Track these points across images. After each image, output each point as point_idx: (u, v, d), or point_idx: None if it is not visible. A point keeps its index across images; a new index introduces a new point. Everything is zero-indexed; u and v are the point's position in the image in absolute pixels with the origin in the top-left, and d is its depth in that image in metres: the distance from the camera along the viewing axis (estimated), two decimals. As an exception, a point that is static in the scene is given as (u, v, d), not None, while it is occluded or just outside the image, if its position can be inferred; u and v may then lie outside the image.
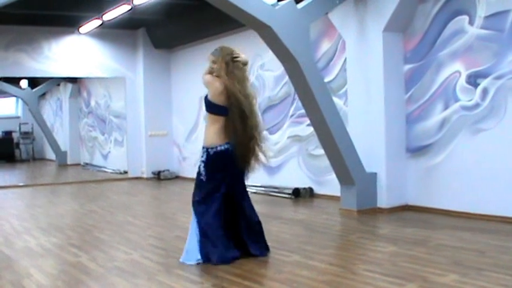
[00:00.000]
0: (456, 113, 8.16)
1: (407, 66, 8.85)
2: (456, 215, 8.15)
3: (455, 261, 5.75)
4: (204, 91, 12.42)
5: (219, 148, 6.11)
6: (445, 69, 8.29)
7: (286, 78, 10.22)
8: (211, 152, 6.12)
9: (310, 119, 8.72)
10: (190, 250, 6.06)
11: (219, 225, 6.03)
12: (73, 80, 21.13)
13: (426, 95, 8.58)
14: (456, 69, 8.15)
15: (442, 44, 8.34)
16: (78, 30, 14.73)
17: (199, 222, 6.05)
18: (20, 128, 25.60)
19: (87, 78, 19.52)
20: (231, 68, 6.13)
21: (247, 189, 6.48)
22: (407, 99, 8.86)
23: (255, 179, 12.08)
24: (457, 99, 8.15)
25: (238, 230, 6.17)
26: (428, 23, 8.53)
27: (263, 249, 6.26)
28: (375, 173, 8.86)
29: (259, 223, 6.30)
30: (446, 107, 8.30)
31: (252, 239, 6.19)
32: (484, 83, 7.80)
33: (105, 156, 19.73)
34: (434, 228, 7.50)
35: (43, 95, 23.94)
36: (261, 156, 6.33)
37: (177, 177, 15.32)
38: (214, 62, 6.21)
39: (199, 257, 5.98)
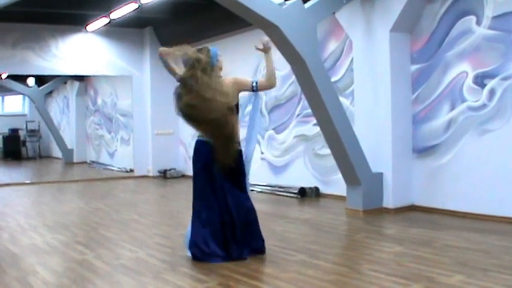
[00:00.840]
0: (463, 113, 8.15)
1: (414, 67, 8.84)
2: (462, 215, 8.14)
3: (461, 261, 5.74)
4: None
5: (200, 138, 6.19)
6: (452, 70, 8.28)
7: (293, 77, 10.22)
8: (197, 139, 6.25)
9: (317, 119, 8.72)
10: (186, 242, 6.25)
11: (207, 222, 6.05)
12: (80, 78, 21.19)
13: (433, 95, 8.57)
14: (463, 70, 8.13)
15: (449, 44, 8.33)
16: (86, 29, 14.75)
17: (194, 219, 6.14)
18: (26, 126, 25.68)
19: (94, 76, 19.57)
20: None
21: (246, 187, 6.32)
22: (414, 100, 8.85)
23: (261, 178, 12.14)
24: (463, 100, 8.14)
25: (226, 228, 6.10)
26: (435, 23, 8.51)
27: (253, 250, 6.19)
28: (381, 173, 8.86)
29: (248, 224, 6.18)
30: (453, 108, 8.29)
31: (238, 240, 6.10)
32: (491, 84, 7.79)
33: (111, 155, 19.77)
34: (440, 228, 7.49)
35: (50, 93, 24.02)
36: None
37: (183, 176, 15.33)
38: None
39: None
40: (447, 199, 8.43)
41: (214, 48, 6.21)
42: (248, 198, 6.22)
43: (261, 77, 6.59)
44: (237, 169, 6.12)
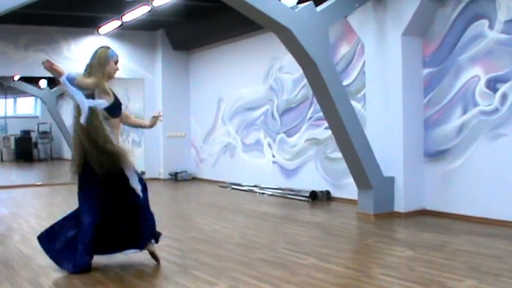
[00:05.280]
0: (475, 117, 8.12)
1: (426, 71, 8.81)
2: (474, 220, 8.10)
3: (473, 266, 5.72)
4: (222, 94, 12.45)
5: None
6: (464, 74, 8.25)
7: (305, 81, 10.21)
8: None
9: (328, 122, 8.71)
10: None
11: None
12: (92, 81, 21.21)
13: (445, 99, 8.54)
14: (475, 74, 8.11)
15: (461, 48, 8.30)
16: (98, 31, 14.80)
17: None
18: (38, 128, 25.78)
19: (105, 78, 19.57)
20: None
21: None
22: (426, 104, 8.83)
23: (272, 182, 12.14)
24: (476, 104, 8.11)
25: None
26: (447, 27, 8.49)
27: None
28: (393, 177, 8.83)
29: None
30: (465, 112, 8.26)
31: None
32: (503, 88, 7.75)
33: (122, 157, 19.77)
34: (451, 233, 7.47)
35: (62, 95, 24.02)
36: None
37: (194, 179, 15.35)
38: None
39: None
40: (459, 204, 8.40)
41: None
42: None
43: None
44: None
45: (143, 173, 16.16)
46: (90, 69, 6.02)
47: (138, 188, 6.04)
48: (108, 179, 5.93)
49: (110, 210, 6.02)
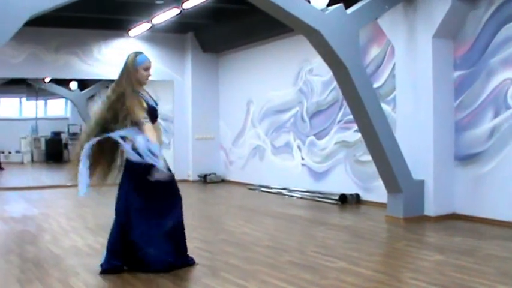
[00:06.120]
0: (507, 121, 8.02)
1: (457, 73, 8.73)
2: (505, 225, 8.00)
3: (504, 272, 5.66)
4: (252, 96, 12.51)
5: None
6: (496, 76, 8.16)
7: (335, 83, 10.17)
8: None
9: (358, 125, 8.67)
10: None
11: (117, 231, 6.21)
12: (122, 83, 21.36)
13: (476, 102, 8.46)
14: (507, 77, 8.01)
15: (493, 50, 8.21)
16: (128, 33, 14.87)
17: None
18: (68, 129, 26.01)
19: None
20: None
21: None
22: (457, 106, 8.74)
23: (302, 184, 12.12)
24: (508, 107, 8.01)
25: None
26: (479, 29, 8.40)
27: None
28: (423, 181, 8.76)
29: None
30: (496, 115, 8.16)
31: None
32: (536, 91, 7.67)
33: (151, 159, 19.86)
34: (482, 238, 7.38)
35: (92, 96, 24.27)
36: None
37: (223, 181, 15.36)
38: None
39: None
40: (490, 208, 8.30)
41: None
42: None
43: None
44: None
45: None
46: (121, 77, 5.92)
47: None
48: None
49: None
